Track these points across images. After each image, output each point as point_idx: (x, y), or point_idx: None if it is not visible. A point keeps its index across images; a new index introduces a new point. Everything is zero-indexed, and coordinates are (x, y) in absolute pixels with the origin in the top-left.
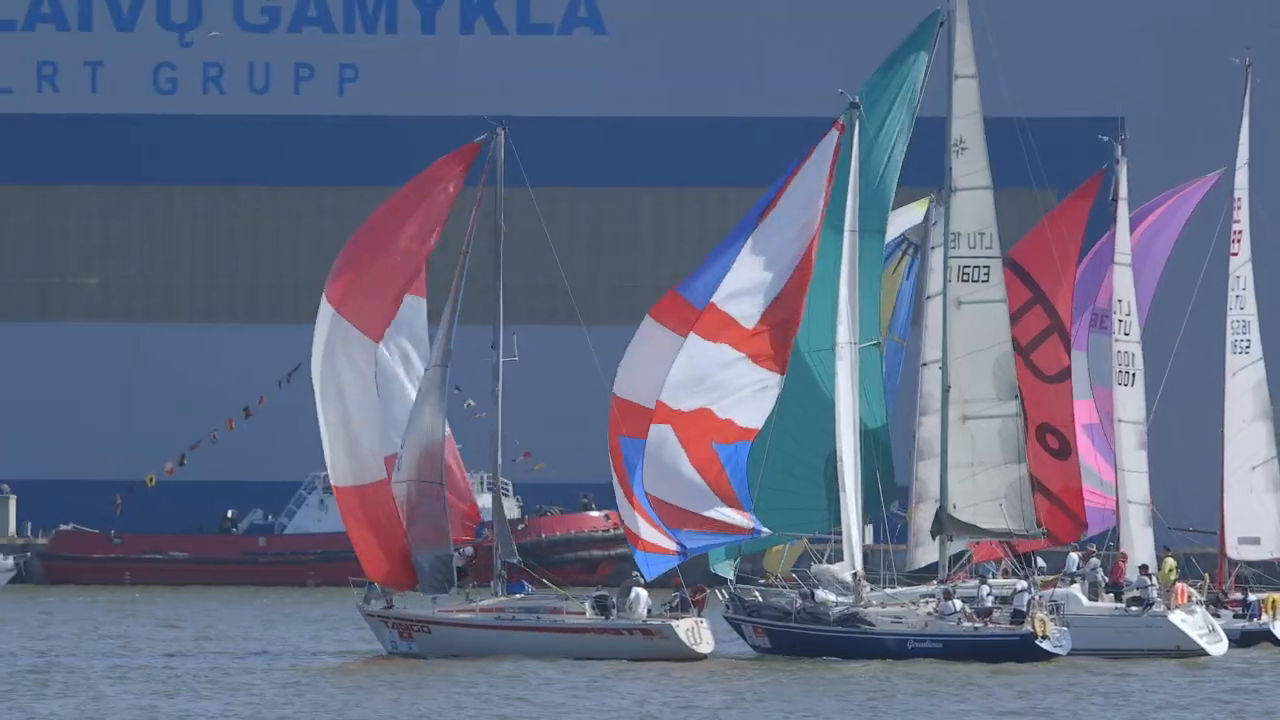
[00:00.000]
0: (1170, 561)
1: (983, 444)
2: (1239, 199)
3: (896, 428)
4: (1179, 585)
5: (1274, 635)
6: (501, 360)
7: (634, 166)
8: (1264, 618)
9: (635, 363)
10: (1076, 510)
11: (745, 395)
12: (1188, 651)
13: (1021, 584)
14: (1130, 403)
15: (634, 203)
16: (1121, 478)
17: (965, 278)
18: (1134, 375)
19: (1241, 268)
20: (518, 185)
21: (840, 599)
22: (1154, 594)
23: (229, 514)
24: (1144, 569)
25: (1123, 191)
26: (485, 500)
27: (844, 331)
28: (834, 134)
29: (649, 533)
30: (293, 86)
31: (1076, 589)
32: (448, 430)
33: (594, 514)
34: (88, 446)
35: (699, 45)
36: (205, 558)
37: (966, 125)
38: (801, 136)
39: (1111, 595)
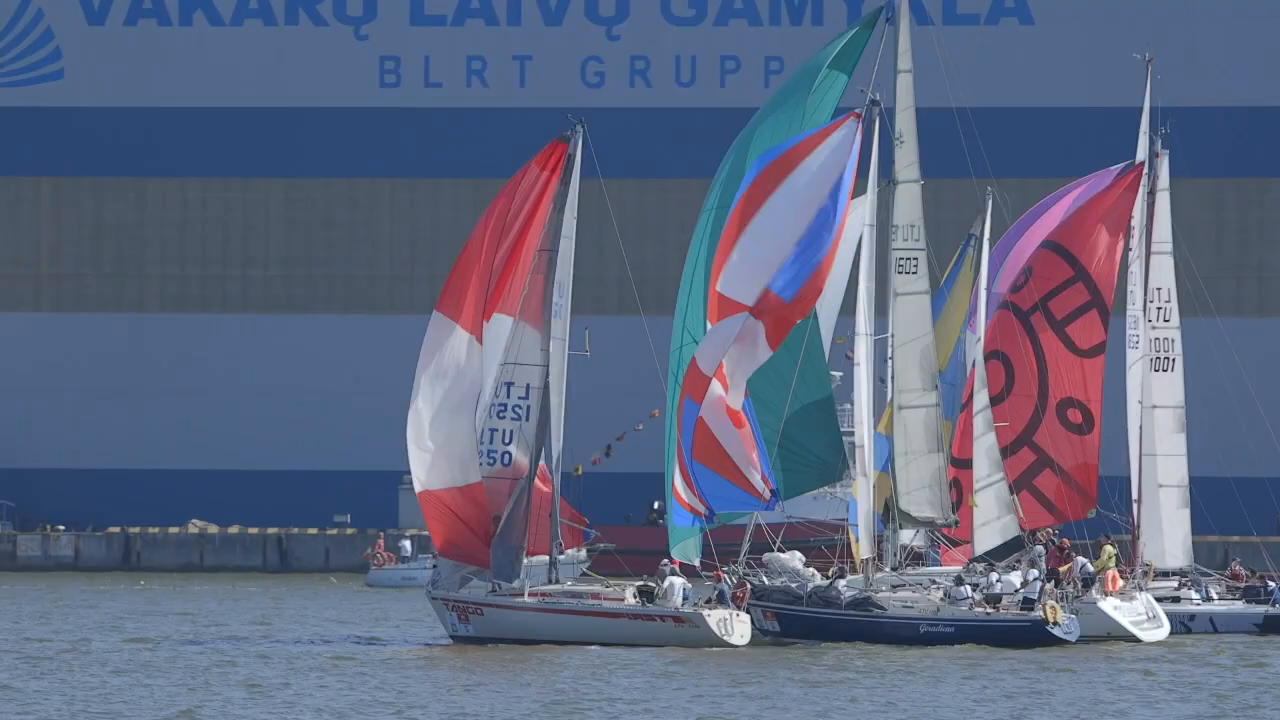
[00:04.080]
0: (1109, 549)
1: (913, 433)
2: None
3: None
4: (1110, 572)
5: None
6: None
7: (1058, 157)
8: None
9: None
10: (1088, 487)
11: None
12: (1118, 637)
13: (1034, 572)
14: (1167, 388)
15: None
16: (1151, 462)
17: (900, 269)
18: (1172, 361)
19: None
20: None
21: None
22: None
23: (655, 505)
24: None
25: (1162, 182)
26: None
27: (861, 323)
28: (854, 122)
29: (685, 492)
30: (718, 79)
31: (1014, 575)
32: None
33: None
34: None
35: (1125, 34)
36: (634, 549)
37: (904, 119)
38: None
39: (1051, 582)
